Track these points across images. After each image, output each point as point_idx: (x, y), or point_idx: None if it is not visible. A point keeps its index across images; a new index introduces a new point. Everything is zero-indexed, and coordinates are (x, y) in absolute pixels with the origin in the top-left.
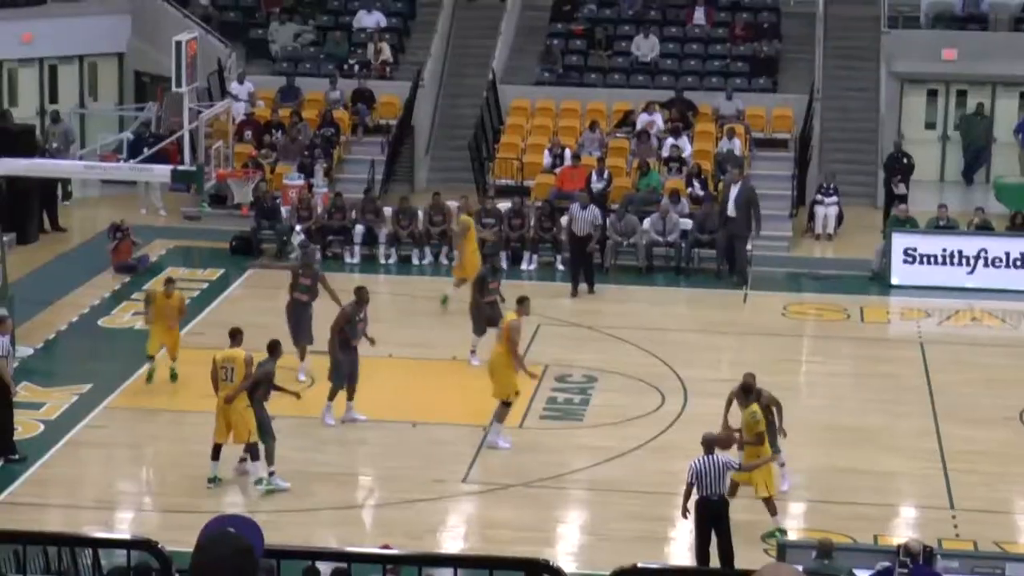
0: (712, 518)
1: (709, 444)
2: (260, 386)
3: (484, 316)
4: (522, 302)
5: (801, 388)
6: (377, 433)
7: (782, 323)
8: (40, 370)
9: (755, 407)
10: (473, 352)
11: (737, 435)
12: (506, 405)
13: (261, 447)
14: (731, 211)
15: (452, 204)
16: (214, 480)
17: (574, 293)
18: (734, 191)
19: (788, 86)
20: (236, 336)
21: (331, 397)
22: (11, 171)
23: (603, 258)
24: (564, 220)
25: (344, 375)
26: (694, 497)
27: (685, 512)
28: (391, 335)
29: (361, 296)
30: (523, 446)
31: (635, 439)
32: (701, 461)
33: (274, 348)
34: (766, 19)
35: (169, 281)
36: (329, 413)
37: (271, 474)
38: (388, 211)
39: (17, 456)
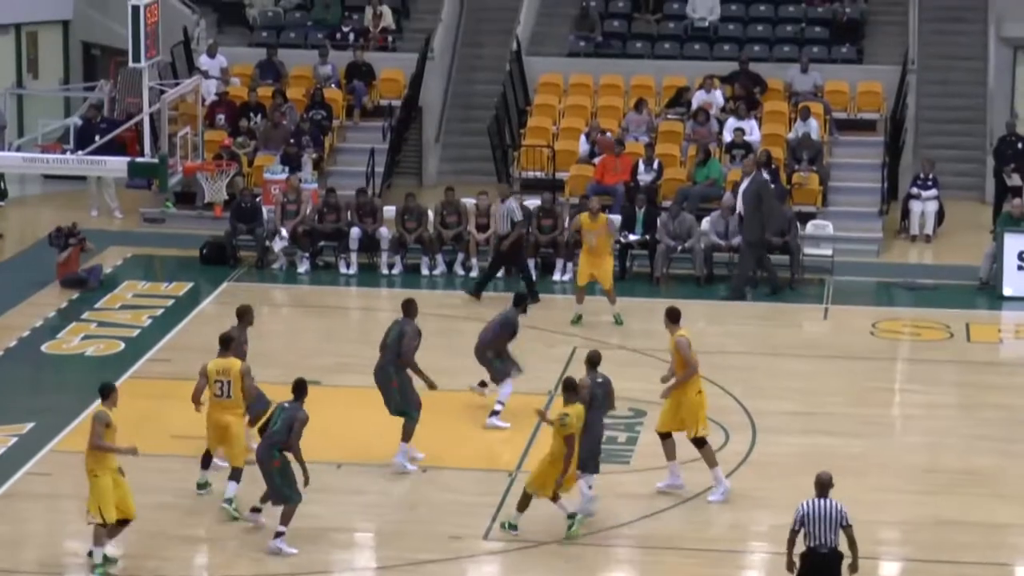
0: (820, 574)
1: (822, 485)
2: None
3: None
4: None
5: (895, 423)
6: (379, 480)
7: (871, 344)
8: None
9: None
10: (483, 384)
11: None
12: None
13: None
14: (739, 209)
15: (469, 202)
16: (204, 486)
17: (476, 295)
18: (744, 184)
19: (876, 55)
20: (228, 343)
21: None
22: None
23: (652, 266)
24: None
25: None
26: (799, 548)
27: (791, 566)
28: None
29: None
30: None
31: (694, 485)
32: (810, 504)
33: (300, 389)
34: None
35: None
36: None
37: (280, 535)
38: (391, 211)
39: None
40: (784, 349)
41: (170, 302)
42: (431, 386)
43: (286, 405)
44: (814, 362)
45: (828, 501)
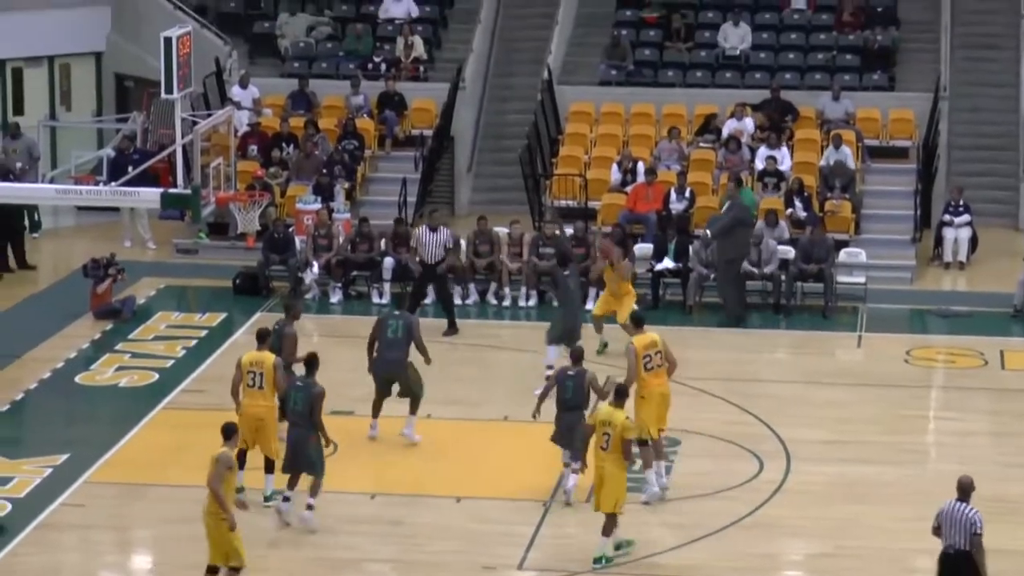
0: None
1: (963, 489)
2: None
3: None
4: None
5: (929, 450)
6: (413, 510)
7: (905, 371)
8: (6, 438)
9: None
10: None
11: None
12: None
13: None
14: (712, 231)
15: (501, 231)
16: (240, 491)
17: (452, 329)
18: (724, 207)
19: (908, 83)
20: (265, 338)
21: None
22: None
23: (685, 295)
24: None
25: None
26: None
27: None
28: (429, 391)
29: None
30: (591, 524)
31: (728, 515)
32: (949, 506)
33: (312, 363)
34: (880, 2)
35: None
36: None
37: (310, 507)
38: None
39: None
40: (818, 377)
41: (203, 333)
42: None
43: (299, 384)
44: (848, 390)
45: (963, 506)
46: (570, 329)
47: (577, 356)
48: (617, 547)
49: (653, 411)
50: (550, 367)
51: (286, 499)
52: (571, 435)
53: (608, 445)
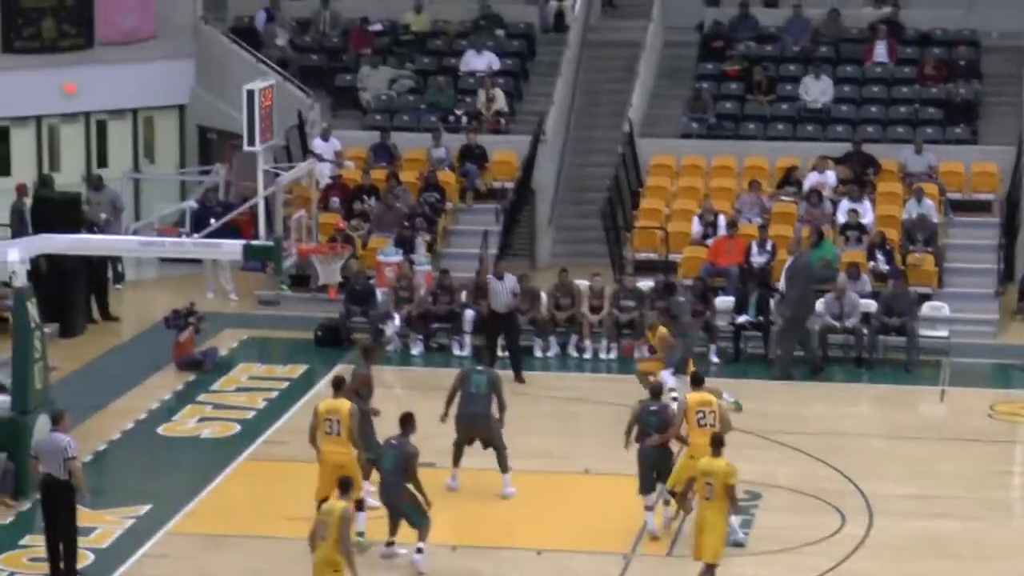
0: None
1: None
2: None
3: None
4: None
5: (1014, 506)
6: (493, 563)
7: (989, 426)
8: (89, 488)
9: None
10: None
11: None
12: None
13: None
14: (782, 287)
15: (582, 284)
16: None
17: (518, 378)
18: (788, 263)
19: (991, 136)
20: (340, 386)
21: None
22: (52, 249)
23: (766, 348)
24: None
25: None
26: None
27: None
28: (509, 443)
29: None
30: None
31: (810, 569)
32: None
33: (407, 422)
34: (963, 55)
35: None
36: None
37: (419, 551)
38: None
39: None
40: (901, 431)
41: (285, 384)
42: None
43: (393, 442)
44: (931, 444)
45: None
46: (687, 358)
47: (656, 392)
48: None
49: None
50: (672, 389)
51: (389, 543)
52: (655, 471)
53: (712, 495)
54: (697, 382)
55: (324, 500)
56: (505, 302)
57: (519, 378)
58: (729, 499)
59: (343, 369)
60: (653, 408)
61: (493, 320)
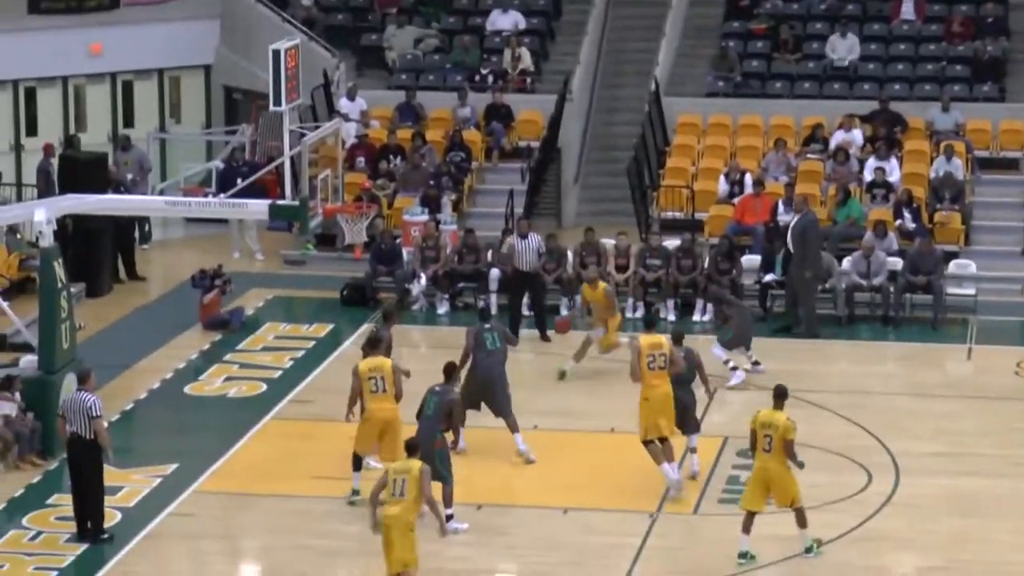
0: None
1: None
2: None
3: None
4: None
5: None
6: (519, 521)
7: (1015, 384)
8: (116, 447)
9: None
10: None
11: None
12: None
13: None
14: (789, 245)
15: (608, 243)
16: (356, 493)
17: (543, 337)
18: (793, 222)
19: (1019, 93)
20: (377, 344)
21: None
22: (78, 209)
23: (795, 308)
24: (504, 250)
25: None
26: None
27: None
28: (534, 402)
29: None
30: (699, 537)
31: (836, 527)
32: None
33: (451, 372)
34: (990, 12)
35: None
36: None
37: (449, 517)
38: None
39: (106, 536)
40: (927, 389)
41: (311, 344)
42: None
43: (437, 389)
44: (958, 402)
45: None
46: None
47: (679, 337)
48: (808, 548)
49: (644, 415)
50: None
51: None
52: (685, 415)
53: (771, 447)
54: (649, 325)
55: (358, 457)
56: (530, 261)
57: (544, 337)
58: (788, 455)
59: (369, 328)
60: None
61: (517, 279)
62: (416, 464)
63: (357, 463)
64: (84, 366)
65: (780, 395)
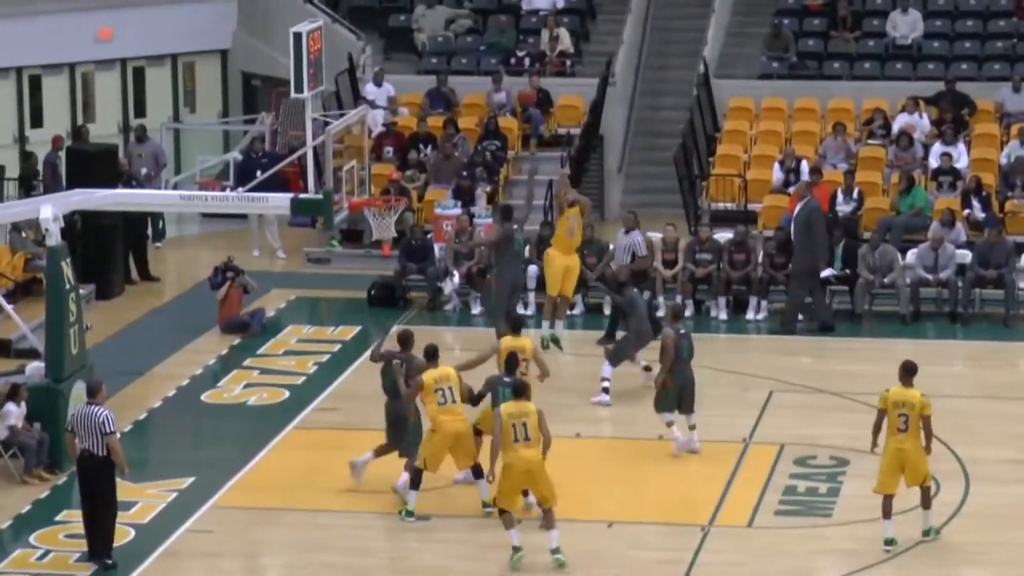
0: None
1: None
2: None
3: None
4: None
5: None
6: (561, 536)
7: None
8: (128, 460)
9: None
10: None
11: None
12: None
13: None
14: (792, 235)
15: (655, 236)
16: (411, 515)
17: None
18: (796, 209)
19: None
20: (435, 354)
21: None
22: (88, 205)
23: (852, 303)
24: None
25: None
26: None
27: None
28: (577, 409)
29: None
30: (755, 550)
31: (901, 540)
32: None
33: (512, 360)
34: None
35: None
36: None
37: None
38: None
39: (111, 561)
40: (999, 391)
41: (337, 347)
42: None
43: (507, 379)
44: None
45: None
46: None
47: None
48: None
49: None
50: None
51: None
52: (684, 394)
53: (907, 426)
54: (515, 328)
55: (418, 471)
56: (631, 258)
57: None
58: (926, 432)
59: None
60: (682, 332)
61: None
62: (529, 407)
63: (417, 479)
64: (95, 378)
65: (909, 371)
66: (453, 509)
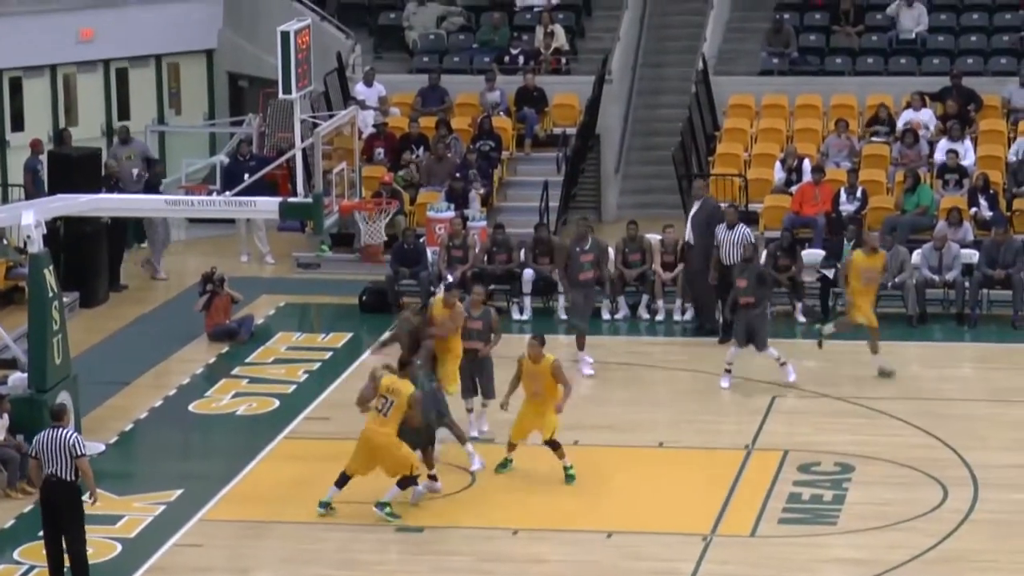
0: None
1: None
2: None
3: None
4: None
5: None
6: (558, 547)
7: None
8: (114, 473)
9: None
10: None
11: None
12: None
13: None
14: (688, 237)
15: (653, 238)
16: (327, 506)
17: (724, 340)
18: (693, 209)
19: None
20: (404, 366)
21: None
22: (71, 210)
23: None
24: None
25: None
26: None
27: None
28: (577, 414)
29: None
30: (758, 560)
31: (908, 548)
32: None
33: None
34: None
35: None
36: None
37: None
38: None
39: None
40: (1008, 395)
41: (328, 355)
42: None
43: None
44: None
45: None
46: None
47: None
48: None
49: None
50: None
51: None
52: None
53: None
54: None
55: (344, 476)
56: (735, 255)
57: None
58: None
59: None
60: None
61: (721, 274)
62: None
63: (342, 482)
64: (57, 402)
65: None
66: (444, 521)
